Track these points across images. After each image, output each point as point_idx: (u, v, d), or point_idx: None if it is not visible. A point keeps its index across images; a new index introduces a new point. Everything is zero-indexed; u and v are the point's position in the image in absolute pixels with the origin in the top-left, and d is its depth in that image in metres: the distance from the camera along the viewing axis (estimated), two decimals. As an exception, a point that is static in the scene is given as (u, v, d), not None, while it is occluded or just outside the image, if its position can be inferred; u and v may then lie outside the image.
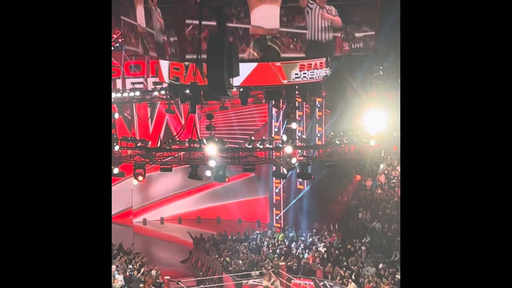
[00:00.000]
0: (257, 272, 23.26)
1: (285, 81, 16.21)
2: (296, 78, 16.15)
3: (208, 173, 18.35)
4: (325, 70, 16.46)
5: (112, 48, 24.81)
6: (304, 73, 16.26)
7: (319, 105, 26.96)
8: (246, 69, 15.70)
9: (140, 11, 16.75)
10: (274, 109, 28.58)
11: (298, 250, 24.59)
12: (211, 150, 17.05)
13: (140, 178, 18.28)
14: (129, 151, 18.48)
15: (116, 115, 25.18)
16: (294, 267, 23.42)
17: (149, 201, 31.14)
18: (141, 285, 22.42)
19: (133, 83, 27.75)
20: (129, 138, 19.52)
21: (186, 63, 16.16)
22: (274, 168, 20.72)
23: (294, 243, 25.43)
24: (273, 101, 24.26)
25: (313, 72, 16.23)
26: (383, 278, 21.17)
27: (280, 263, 23.16)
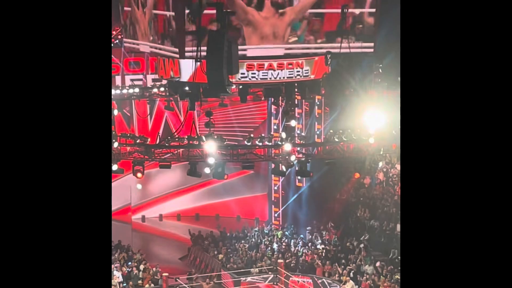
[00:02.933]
0: (257, 270, 23.29)
1: (233, 79, 15.93)
2: (242, 77, 15.74)
3: (207, 170, 18.33)
4: (289, 71, 16.03)
5: (112, 44, 24.79)
6: (253, 73, 15.75)
7: (318, 103, 26.95)
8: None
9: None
10: (273, 107, 28.57)
11: (297, 248, 24.60)
12: (210, 147, 17.05)
13: (139, 174, 18.29)
14: (128, 148, 18.46)
15: (115, 112, 25.18)
16: (292, 265, 23.43)
17: (148, 198, 31.13)
18: (140, 282, 22.44)
19: (132, 80, 27.73)
20: (128, 134, 19.50)
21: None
22: (273, 165, 20.71)
23: (292, 240, 25.44)
24: (272, 99, 24.25)
25: (266, 72, 15.80)
26: (381, 276, 21.19)
27: (279, 261, 23.17)
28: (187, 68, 16.26)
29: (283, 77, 16.08)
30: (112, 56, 25.80)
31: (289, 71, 16.05)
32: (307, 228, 26.51)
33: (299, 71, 16.28)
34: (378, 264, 21.82)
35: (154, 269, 22.90)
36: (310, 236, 25.61)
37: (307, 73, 16.44)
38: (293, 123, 25.87)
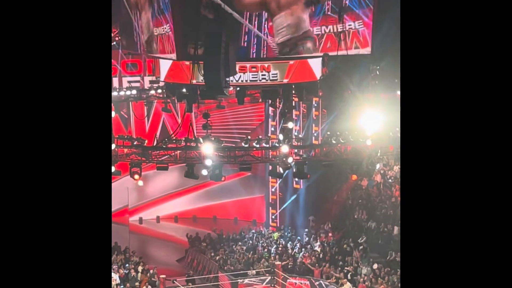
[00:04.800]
0: (254, 271, 23.28)
1: (194, 81, 16.08)
2: (203, 79, 15.73)
3: (204, 172, 18.35)
4: (252, 74, 15.87)
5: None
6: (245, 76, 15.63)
7: (315, 105, 26.95)
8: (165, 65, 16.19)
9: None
10: (270, 108, 28.56)
11: (294, 250, 24.59)
12: (208, 149, 17.05)
13: (136, 176, 18.29)
14: (126, 150, 18.48)
15: (113, 114, 25.10)
16: (289, 266, 23.43)
17: (145, 200, 31.11)
18: (137, 284, 22.42)
19: (129, 82, 27.69)
20: (126, 136, 19.54)
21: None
22: (270, 167, 20.74)
23: (290, 242, 25.44)
24: (270, 101, 24.23)
25: (255, 75, 15.67)
26: (379, 278, 21.19)
27: (276, 263, 23.16)
28: (164, 68, 16.43)
29: (246, 80, 15.82)
30: (110, 57, 25.70)
31: (252, 74, 15.83)
32: (305, 230, 26.52)
33: (264, 75, 15.97)
34: (375, 266, 21.81)
35: (151, 271, 22.88)
36: (307, 238, 25.61)
37: (275, 77, 16.12)
38: (290, 125, 25.76)
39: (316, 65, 16.24)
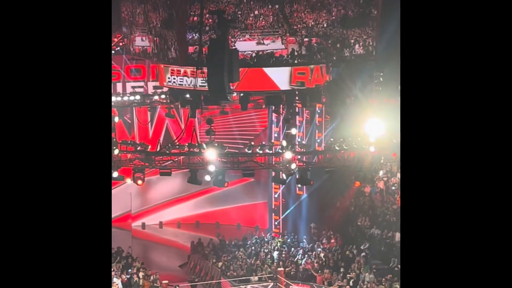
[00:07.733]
0: (256, 278, 23.25)
1: (164, 83, 16.53)
2: (168, 82, 16.14)
3: (207, 177, 18.33)
4: (201, 80, 16.00)
5: (113, 52, 24.81)
6: (174, 78, 16.10)
7: (319, 111, 26.95)
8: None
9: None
10: (274, 115, 28.57)
11: (297, 256, 24.56)
12: (211, 154, 17.05)
13: (139, 182, 18.29)
14: (129, 155, 18.47)
15: (116, 119, 25.16)
16: (292, 273, 23.39)
17: (148, 205, 31.12)
18: (139, 289, 22.42)
19: (133, 87, 27.75)
20: (129, 142, 19.51)
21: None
22: (273, 173, 20.77)
23: (292, 248, 25.41)
24: (273, 107, 24.24)
25: (182, 79, 15.98)
26: (381, 285, 21.14)
27: (279, 269, 23.13)
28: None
29: (196, 85, 16.15)
30: (113, 63, 25.80)
31: (201, 80, 16.05)
32: (305, 236, 26.48)
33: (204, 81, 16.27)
34: (378, 272, 21.77)
35: (153, 276, 22.87)
36: (310, 244, 25.57)
37: None
38: (293, 131, 25.86)
39: (275, 74, 16.40)
